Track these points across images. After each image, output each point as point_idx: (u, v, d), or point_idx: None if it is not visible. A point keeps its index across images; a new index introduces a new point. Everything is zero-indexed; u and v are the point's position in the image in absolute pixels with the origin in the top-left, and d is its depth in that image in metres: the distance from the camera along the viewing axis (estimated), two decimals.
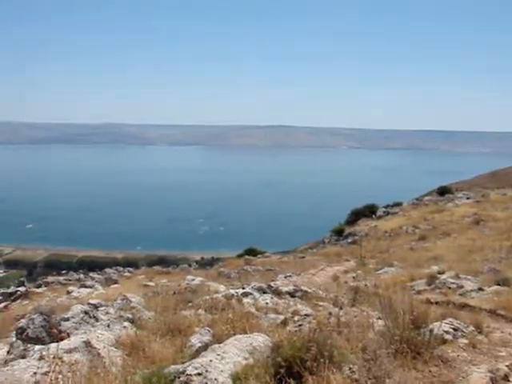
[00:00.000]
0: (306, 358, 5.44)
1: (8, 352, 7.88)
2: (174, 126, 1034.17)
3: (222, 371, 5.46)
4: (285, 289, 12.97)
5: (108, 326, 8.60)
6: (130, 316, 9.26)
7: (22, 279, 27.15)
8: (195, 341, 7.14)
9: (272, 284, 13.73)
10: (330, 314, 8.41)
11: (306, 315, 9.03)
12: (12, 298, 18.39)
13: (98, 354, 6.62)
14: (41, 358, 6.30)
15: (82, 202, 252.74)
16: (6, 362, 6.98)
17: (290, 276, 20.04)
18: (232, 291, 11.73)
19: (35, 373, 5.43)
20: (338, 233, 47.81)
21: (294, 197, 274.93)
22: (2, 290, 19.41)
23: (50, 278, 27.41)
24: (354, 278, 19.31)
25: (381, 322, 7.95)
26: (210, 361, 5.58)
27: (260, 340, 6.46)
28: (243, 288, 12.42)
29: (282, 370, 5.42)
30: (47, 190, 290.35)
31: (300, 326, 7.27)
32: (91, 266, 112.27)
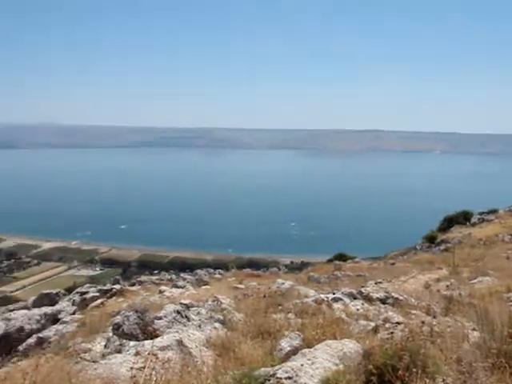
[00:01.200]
0: (399, 366, 5.31)
1: (105, 346, 8.19)
2: (269, 130, 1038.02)
3: (312, 376, 5.43)
4: (375, 295, 12.76)
5: (199, 326, 8.76)
6: (221, 317, 9.40)
7: (117, 277, 28.10)
8: (285, 344, 7.14)
9: (363, 290, 13.54)
10: (423, 322, 8.16)
11: (397, 323, 8.83)
12: (108, 294, 18.99)
13: (190, 352, 6.75)
14: (137, 353, 6.49)
15: (176, 203, 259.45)
16: (103, 356, 7.27)
17: (380, 282, 19.70)
18: (322, 296, 11.66)
19: (131, 368, 5.59)
20: (430, 240, 46.45)
21: (387, 202, 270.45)
22: (99, 287, 20.13)
23: (143, 278, 28.22)
24: (447, 286, 18.72)
25: (476, 334, 7.64)
26: (301, 365, 5.56)
27: (350, 346, 6.38)
28: (333, 293, 12.33)
29: (374, 378, 5.31)
30: (146, 192, 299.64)
31: (391, 333, 7.10)
32: (182, 266, 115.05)
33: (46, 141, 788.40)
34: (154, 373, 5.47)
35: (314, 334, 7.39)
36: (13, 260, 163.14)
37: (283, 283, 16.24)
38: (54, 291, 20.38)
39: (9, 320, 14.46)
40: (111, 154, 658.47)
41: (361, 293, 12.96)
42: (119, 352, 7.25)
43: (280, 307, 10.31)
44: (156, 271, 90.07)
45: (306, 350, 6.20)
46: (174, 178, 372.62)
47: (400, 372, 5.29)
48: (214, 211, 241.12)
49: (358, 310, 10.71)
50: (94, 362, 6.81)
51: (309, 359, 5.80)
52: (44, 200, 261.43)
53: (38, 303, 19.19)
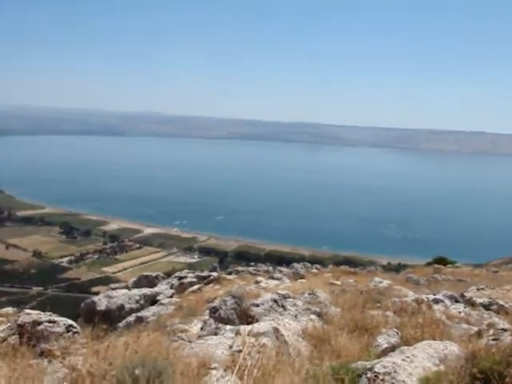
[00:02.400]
0: (506, 373, 5.02)
1: (201, 328, 8.31)
2: (370, 128, 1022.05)
3: (410, 374, 5.24)
4: (479, 300, 12.23)
5: (295, 316, 8.72)
6: (317, 309, 9.31)
7: (214, 265, 28.59)
8: (382, 341, 6.98)
9: (465, 294, 13.04)
10: None
11: (503, 329, 8.42)
12: (205, 281, 19.33)
13: (285, 341, 6.72)
14: (233, 336, 6.53)
15: (274, 197, 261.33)
16: (199, 337, 7.37)
17: (482, 289, 18.92)
18: (423, 296, 11.32)
19: (231, 347, 5.61)
20: None
21: (489, 207, 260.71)
22: (197, 273, 20.55)
23: (240, 268, 28.52)
24: None
25: None
26: (400, 362, 5.38)
27: (452, 348, 6.11)
28: (434, 294, 11.93)
29: (477, 382, 5.06)
30: (245, 184, 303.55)
31: (496, 339, 6.77)
32: (278, 260, 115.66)
33: (149, 130, 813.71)
34: (249, 357, 5.48)
35: (413, 333, 7.18)
36: (116, 243, 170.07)
37: (381, 282, 15.93)
38: (154, 274, 20.98)
39: (111, 298, 15.02)
40: (212, 145, 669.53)
41: (463, 296, 12.50)
42: (215, 334, 7.34)
43: (378, 304, 10.11)
44: (252, 263, 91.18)
45: (405, 348, 6.01)
46: (275, 172, 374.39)
47: (507, 379, 4.99)
48: (313, 206, 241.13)
49: (459, 313, 10.30)
50: (190, 341, 6.91)
51: (407, 356, 5.61)
52: (145, 186, 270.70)
53: (137, 284, 19.81)
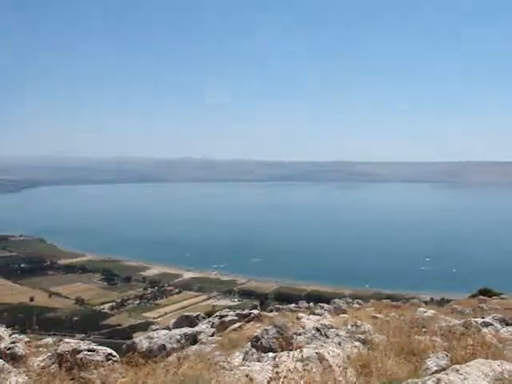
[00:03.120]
0: None
1: (243, 358, 8.15)
2: (406, 164, 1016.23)
3: None
4: None
5: (339, 343, 8.50)
6: (362, 337, 9.07)
7: (255, 303, 28.39)
8: (431, 364, 6.71)
9: None
10: None
11: None
12: (246, 319, 19.12)
13: (330, 366, 6.52)
14: (275, 363, 6.36)
15: (312, 237, 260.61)
16: (242, 365, 7.21)
17: None
18: (471, 319, 10.96)
19: (277, 372, 5.46)
20: None
21: None
22: (238, 311, 20.38)
23: (280, 306, 28.27)
24: None
25: None
26: (458, 376, 5.12)
27: (508, 368, 5.81)
28: (482, 318, 11.55)
29: None
30: (283, 226, 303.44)
31: None
32: (319, 300, 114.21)
33: (185, 175, 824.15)
34: (292, 381, 5.31)
35: (464, 355, 6.90)
36: (156, 288, 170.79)
37: (425, 312, 15.54)
38: (194, 314, 20.86)
39: (151, 338, 14.93)
40: (247, 188, 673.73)
41: None
42: (258, 361, 7.17)
43: (424, 330, 9.80)
44: (293, 304, 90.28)
45: (457, 366, 5.74)
46: (307, 212, 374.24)
47: None
48: (350, 244, 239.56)
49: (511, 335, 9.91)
50: (231, 370, 6.75)
51: (461, 374, 5.35)
52: (181, 231, 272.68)
53: (178, 325, 19.72)
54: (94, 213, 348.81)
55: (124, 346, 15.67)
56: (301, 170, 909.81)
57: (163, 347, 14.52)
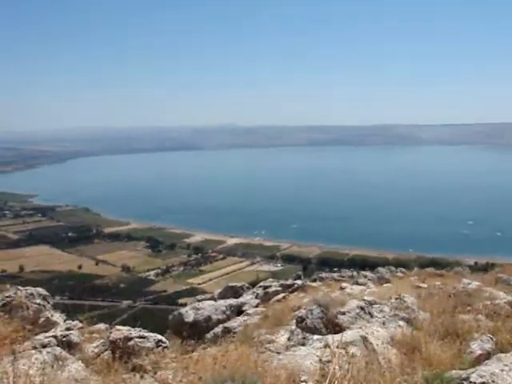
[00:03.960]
0: None
1: (288, 338, 8.29)
2: (446, 126, 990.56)
3: None
4: None
5: (383, 323, 8.55)
6: (406, 315, 9.10)
7: (298, 273, 28.51)
8: (476, 347, 6.73)
9: None
10: None
11: None
12: (290, 289, 19.29)
13: (374, 349, 6.60)
14: (321, 347, 6.46)
15: (354, 201, 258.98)
16: (287, 348, 7.36)
17: None
18: None
19: (320, 360, 5.56)
20: None
21: None
22: (281, 282, 20.53)
23: (324, 274, 28.25)
24: None
25: None
26: (498, 371, 5.14)
27: None
28: None
29: None
30: (324, 190, 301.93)
31: None
32: (362, 264, 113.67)
33: (225, 141, 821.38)
34: (337, 367, 5.41)
35: (509, 338, 6.88)
36: (200, 254, 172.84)
37: (469, 283, 15.42)
38: (239, 284, 21.11)
39: (197, 309, 15.22)
40: (287, 153, 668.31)
41: None
42: (303, 345, 7.29)
43: (469, 308, 9.77)
44: (336, 268, 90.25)
45: (502, 355, 5.74)
46: (348, 176, 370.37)
47: None
48: (392, 208, 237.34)
49: None
50: (278, 352, 6.90)
51: (505, 365, 5.35)
52: (222, 198, 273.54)
53: (223, 295, 19.99)
54: (137, 182, 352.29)
55: (171, 317, 16.05)
56: (342, 135, 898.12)
57: (209, 318, 14.84)
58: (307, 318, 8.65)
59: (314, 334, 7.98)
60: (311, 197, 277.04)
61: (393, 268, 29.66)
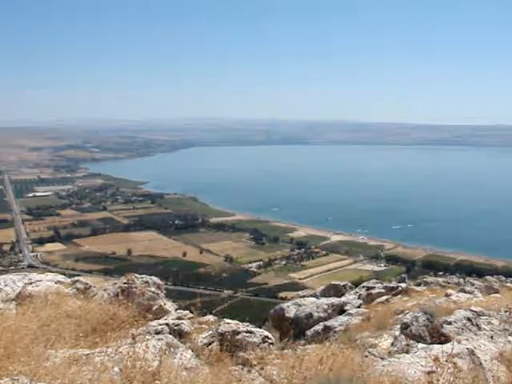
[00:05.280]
0: None
1: (391, 344, 8.25)
2: None
3: None
4: None
5: (491, 337, 8.31)
6: None
7: (403, 276, 28.02)
8: None
9: None
10: None
11: None
12: (393, 292, 19.03)
13: (481, 364, 6.45)
14: (427, 356, 6.39)
15: (464, 204, 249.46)
16: (390, 353, 7.33)
17: None
18: None
19: (429, 372, 5.52)
20: None
21: None
22: (385, 284, 20.27)
23: (429, 279, 27.55)
24: None
25: None
26: None
27: None
28: None
29: None
30: (433, 191, 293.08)
31: None
32: (468, 270, 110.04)
33: (334, 137, 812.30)
34: (443, 380, 5.34)
35: None
36: (303, 249, 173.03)
37: None
38: (342, 283, 21.08)
39: (299, 305, 15.39)
40: (396, 152, 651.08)
41: None
42: (406, 352, 7.24)
43: None
44: (441, 273, 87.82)
45: None
46: (462, 178, 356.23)
47: None
48: (509, 214, 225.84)
49: None
50: (381, 358, 6.89)
51: None
52: (327, 194, 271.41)
53: (325, 293, 20.04)
54: (244, 174, 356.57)
55: (272, 311, 16.33)
56: (453, 135, 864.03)
57: (310, 315, 14.96)
58: (412, 324, 8.56)
59: (418, 341, 7.90)
60: (419, 197, 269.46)
61: (503, 277, 28.46)
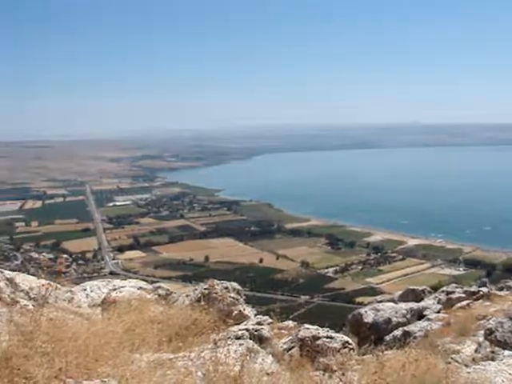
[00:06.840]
0: None
1: (475, 350, 8.08)
2: None
3: None
4: None
5: None
6: None
7: (484, 280, 27.19)
8: None
9: None
10: None
11: None
12: (474, 297, 18.58)
13: None
14: None
15: None
16: (473, 360, 7.18)
17: None
18: None
19: None
20: None
21: None
22: (465, 288, 19.78)
23: (511, 283, 26.73)
24: None
25: None
26: None
27: None
28: None
29: None
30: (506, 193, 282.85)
31: None
32: None
33: (409, 140, 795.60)
34: None
35: None
36: (379, 254, 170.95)
37: None
38: (420, 288, 20.74)
39: (377, 310, 15.25)
40: (471, 152, 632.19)
41: None
42: (492, 359, 7.07)
43: None
44: None
45: None
46: None
47: None
48: None
49: None
50: (465, 365, 6.76)
51: None
52: (401, 198, 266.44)
53: (403, 298, 19.78)
54: (318, 179, 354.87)
55: (350, 316, 16.25)
56: None
57: (389, 320, 14.81)
58: (497, 330, 8.34)
59: (504, 348, 7.69)
60: (496, 200, 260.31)
61: None
